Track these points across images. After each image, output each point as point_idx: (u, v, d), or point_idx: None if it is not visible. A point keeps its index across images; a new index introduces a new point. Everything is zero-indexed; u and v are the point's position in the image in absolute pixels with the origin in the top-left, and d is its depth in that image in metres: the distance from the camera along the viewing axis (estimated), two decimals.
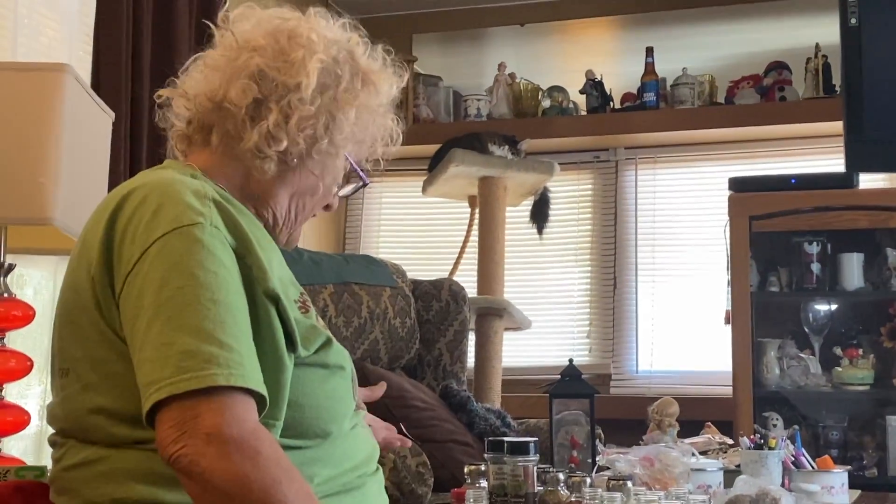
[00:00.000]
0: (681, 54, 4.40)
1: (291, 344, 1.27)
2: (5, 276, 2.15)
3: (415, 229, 4.77)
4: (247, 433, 1.14)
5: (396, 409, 2.84)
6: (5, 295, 2.14)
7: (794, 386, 3.74)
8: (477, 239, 4.03)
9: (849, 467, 2.67)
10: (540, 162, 4.09)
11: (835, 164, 3.94)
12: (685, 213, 4.45)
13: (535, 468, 1.77)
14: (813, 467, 2.56)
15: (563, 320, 4.53)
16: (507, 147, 4.00)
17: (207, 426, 1.13)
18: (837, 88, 4.02)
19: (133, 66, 2.99)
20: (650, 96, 4.31)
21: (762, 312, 3.77)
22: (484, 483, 1.75)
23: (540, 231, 4.18)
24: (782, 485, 2.39)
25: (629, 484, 1.75)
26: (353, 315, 3.01)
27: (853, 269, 3.72)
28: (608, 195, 4.57)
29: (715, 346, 3.97)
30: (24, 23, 2.84)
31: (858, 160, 3.62)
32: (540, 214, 4.16)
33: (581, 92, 4.43)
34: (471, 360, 3.58)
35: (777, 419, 3.55)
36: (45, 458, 1.35)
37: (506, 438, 1.84)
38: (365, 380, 2.84)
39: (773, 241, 3.81)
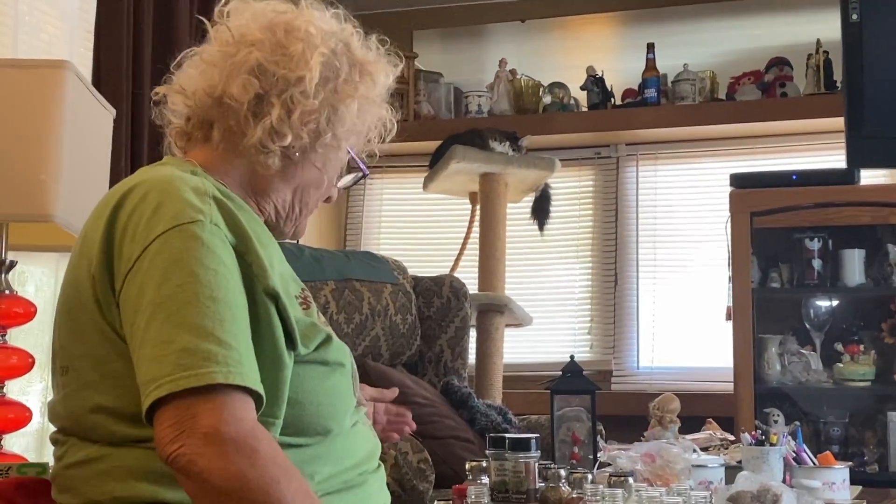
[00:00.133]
0: (682, 50, 4.40)
1: (291, 342, 1.27)
2: (7, 272, 2.15)
3: (416, 226, 4.77)
4: (245, 432, 1.14)
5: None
6: (7, 292, 2.15)
7: (796, 382, 3.74)
8: (478, 235, 4.03)
9: (850, 463, 2.67)
10: (541, 158, 4.08)
11: (836, 160, 3.94)
12: (686, 209, 4.44)
13: (537, 464, 1.78)
14: (814, 463, 2.56)
15: (564, 317, 4.53)
16: (507, 143, 3.99)
17: (205, 425, 1.13)
18: (838, 84, 4.02)
19: (134, 63, 2.99)
20: (651, 92, 4.31)
21: (763, 308, 3.77)
22: (485, 479, 1.75)
23: (541, 227, 4.18)
24: (783, 481, 2.39)
25: (630, 480, 1.75)
26: (354, 312, 3.01)
27: (854, 265, 3.72)
28: (609, 191, 4.56)
29: (716, 342, 3.97)
30: (24, 20, 2.84)
31: (859, 156, 3.62)
32: (541, 211, 4.16)
33: (582, 88, 4.43)
34: (472, 357, 3.58)
35: (778, 415, 3.55)
36: (47, 455, 1.35)
37: (507, 435, 1.84)
38: (366, 376, 2.84)
39: (775, 238, 3.80)
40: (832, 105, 3.89)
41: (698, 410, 3.30)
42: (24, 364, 2.15)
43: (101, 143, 2.32)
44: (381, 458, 1.48)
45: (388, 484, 1.49)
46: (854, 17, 3.58)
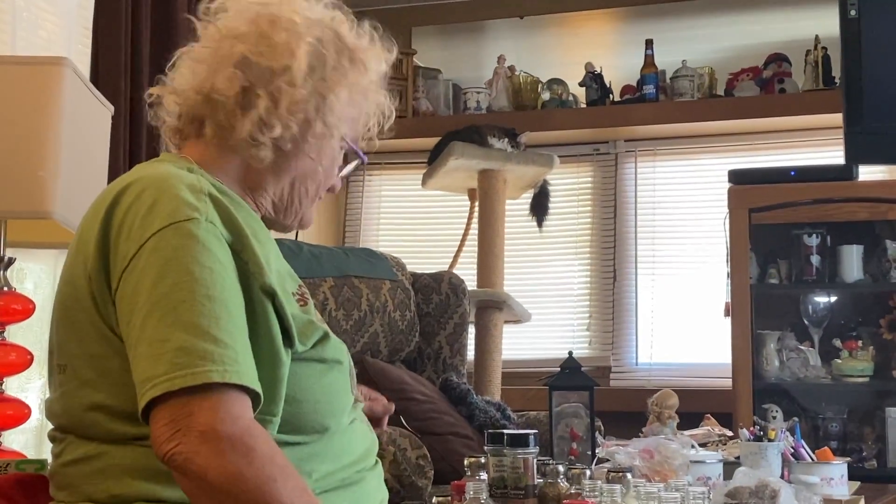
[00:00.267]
0: (680, 46, 4.40)
1: (288, 339, 1.27)
2: (5, 269, 2.16)
3: (414, 222, 4.77)
4: (241, 430, 1.14)
5: (396, 402, 2.83)
6: (5, 289, 2.15)
7: (794, 378, 3.75)
8: (476, 232, 4.03)
9: (848, 459, 2.67)
10: (539, 155, 4.08)
11: (834, 156, 3.94)
12: (685, 205, 4.45)
13: (535, 460, 1.78)
14: (812, 459, 2.56)
15: (562, 313, 4.53)
16: (506, 140, 3.99)
17: (202, 424, 1.13)
18: (837, 80, 4.02)
19: (132, 60, 2.99)
20: (650, 89, 4.31)
21: (762, 304, 3.77)
22: (484, 475, 1.75)
23: (539, 224, 4.18)
24: (782, 476, 2.39)
25: (629, 476, 1.76)
26: (352, 308, 3.01)
27: (853, 261, 3.72)
28: (608, 188, 4.57)
29: (714, 338, 3.97)
30: (23, 17, 2.84)
31: (858, 152, 3.62)
32: (539, 207, 4.16)
33: (580, 84, 4.43)
34: (471, 353, 3.58)
35: (776, 411, 3.55)
36: (46, 452, 1.35)
37: (506, 431, 1.85)
38: (365, 373, 2.84)
39: (773, 234, 3.81)
40: (830, 101, 3.89)
41: (697, 406, 3.30)
42: (23, 361, 2.16)
43: (100, 140, 2.32)
44: (380, 455, 1.48)
45: (386, 480, 1.49)
46: (852, 13, 3.58)
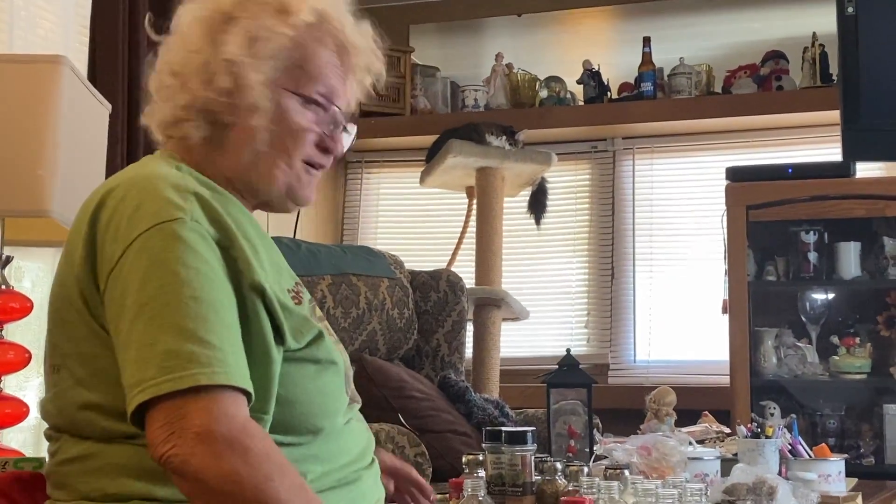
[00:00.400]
0: (678, 44, 4.40)
1: (280, 336, 1.26)
2: (3, 268, 2.16)
3: (412, 220, 4.77)
4: (236, 430, 1.14)
5: (395, 400, 2.85)
6: (3, 287, 2.15)
7: (792, 375, 3.75)
8: (475, 229, 4.03)
9: (846, 456, 2.67)
10: (537, 152, 4.09)
11: (832, 153, 3.94)
12: (682, 202, 4.45)
13: (533, 458, 1.78)
14: (810, 456, 2.57)
15: (560, 310, 4.53)
16: (504, 137, 3.99)
17: (196, 425, 1.13)
18: (834, 77, 4.02)
19: (130, 58, 2.99)
20: (647, 86, 4.31)
21: (759, 302, 3.77)
22: (482, 473, 1.75)
23: (538, 221, 4.18)
24: (779, 473, 2.39)
25: (626, 473, 1.76)
26: (351, 306, 3.01)
27: (850, 257, 3.72)
28: (606, 185, 4.57)
29: (712, 335, 3.98)
30: (20, 15, 2.84)
31: (855, 149, 3.62)
32: (537, 205, 4.16)
33: (578, 82, 4.43)
34: (469, 351, 3.59)
35: (774, 408, 3.56)
36: (44, 450, 1.36)
37: (504, 428, 1.85)
38: (363, 371, 2.85)
39: (770, 231, 3.81)
40: (828, 98, 3.89)
41: (694, 403, 3.30)
42: (21, 359, 2.16)
43: (97, 138, 2.32)
44: (378, 453, 1.49)
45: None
46: (850, 10, 3.57)
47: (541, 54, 4.65)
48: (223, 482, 1.12)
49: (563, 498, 1.69)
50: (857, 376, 3.68)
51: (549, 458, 1.85)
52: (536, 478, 1.78)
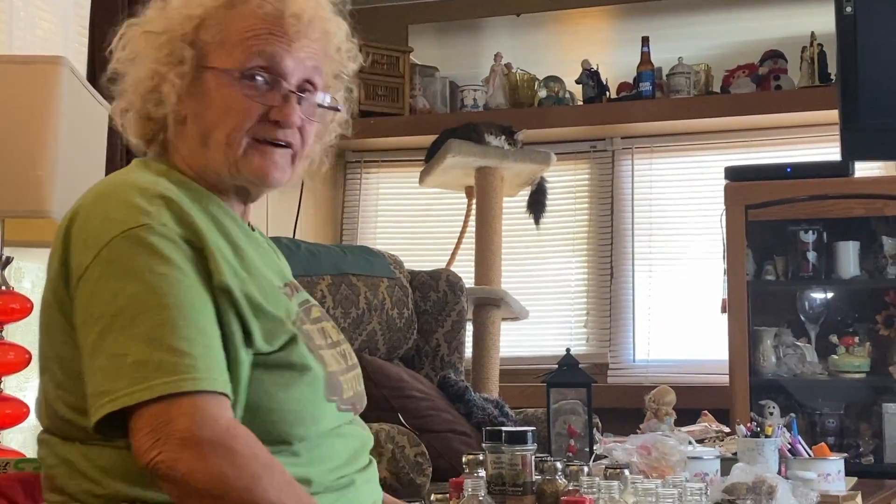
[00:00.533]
0: (676, 44, 4.40)
1: (249, 339, 1.24)
2: (3, 268, 2.16)
3: (412, 220, 4.77)
4: (220, 432, 1.15)
5: (394, 400, 2.85)
6: (3, 288, 2.15)
7: (791, 374, 3.75)
8: (474, 229, 4.04)
9: (845, 455, 2.68)
10: (536, 152, 4.09)
11: (830, 152, 3.94)
12: (681, 202, 4.45)
13: (533, 457, 1.78)
14: (809, 455, 2.57)
15: (560, 310, 4.53)
16: (503, 137, 4.00)
17: (181, 430, 1.13)
18: (833, 77, 4.02)
19: None
20: (646, 86, 4.31)
21: (758, 301, 3.77)
22: (482, 472, 1.75)
23: (537, 221, 4.18)
24: (779, 472, 2.40)
25: (626, 472, 1.76)
26: (350, 306, 3.01)
27: (849, 257, 3.72)
28: (605, 185, 4.57)
29: (711, 334, 3.98)
30: (19, 15, 2.84)
31: (854, 148, 3.62)
32: (537, 204, 4.17)
33: (577, 82, 4.43)
34: (468, 351, 3.59)
35: (773, 407, 3.56)
36: None
37: (504, 428, 1.85)
38: (362, 370, 2.84)
39: (769, 230, 3.81)
40: (826, 98, 3.90)
41: (694, 403, 3.31)
42: (21, 360, 2.16)
43: (97, 139, 2.32)
44: (378, 452, 1.47)
45: (385, 478, 1.48)
46: (848, 9, 3.58)
47: (540, 54, 4.65)
48: (211, 485, 1.12)
49: (563, 497, 1.70)
50: (856, 375, 3.69)
51: (549, 458, 1.85)
52: (536, 477, 1.78)
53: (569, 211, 4.58)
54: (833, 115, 3.71)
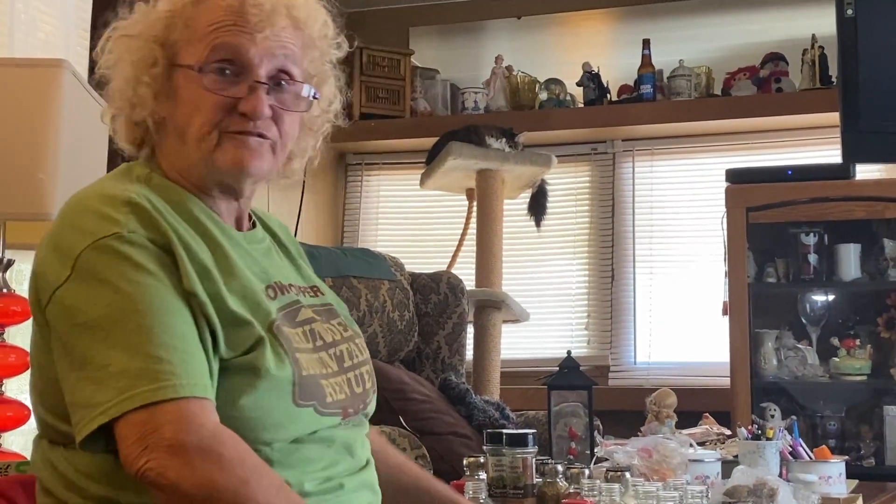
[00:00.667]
0: (677, 46, 4.41)
1: (216, 343, 1.23)
2: (4, 271, 2.16)
3: (413, 222, 4.77)
4: (207, 438, 1.15)
5: (395, 402, 2.85)
6: (4, 290, 2.15)
7: (792, 376, 3.75)
8: (475, 231, 4.04)
9: (846, 457, 2.67)
10: (537, 154, 4.09)
11: (831, 155, 3.94)
12: (682, 204, 4.45)
13: (534, 460, 1.78)
14: (810, 457, 2.57)
15: (561, 312, 4.54)
16: (504, 140, 4.00)
17: (167, 438, 1.13)
18: (834, 79, 4.02)
19: None
20: (647, 88, 4.32)
21: (759, 303, 3.77)
22: (483, 475, 1.75)
23: (538, 223, 4.18)
24: (780, 475, 2.40)
25: (627, 475, 1.76)
26: (351, 308, 3.01)
27: (850, 259, 3.73)
28: (605, 187, 4.57)
29: (712, 337, 3.98)
30: (21, 18, 2.84)
31: (855, 151, 3.62)
32: (537, 207, 4.17)
33: (578, 84, 4.44)
34: (469, 353, 3.59)
35: (774, 410, 3.56)
36: None
37: (504, 430, 1.85)
38: None
39: (770, 233, 3.81)
40: (827, 100, 3.90)
41: (695, 405, 3.30)
42: (23, 362, 2.16)
43: (99, 142, 2.32)
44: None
45: None
46: (849, 12, 3.58)
47: (540, 56, 4.65)
48: (200, 491, 1.13)
49: (564, 500, 1.70)
50: (858, 378, 3.69)
51: (550, 461, 1.85)
52: (537, 480, 1.78)
53: (570, 213, 4.58)
54: (834, 117, 3.71)
